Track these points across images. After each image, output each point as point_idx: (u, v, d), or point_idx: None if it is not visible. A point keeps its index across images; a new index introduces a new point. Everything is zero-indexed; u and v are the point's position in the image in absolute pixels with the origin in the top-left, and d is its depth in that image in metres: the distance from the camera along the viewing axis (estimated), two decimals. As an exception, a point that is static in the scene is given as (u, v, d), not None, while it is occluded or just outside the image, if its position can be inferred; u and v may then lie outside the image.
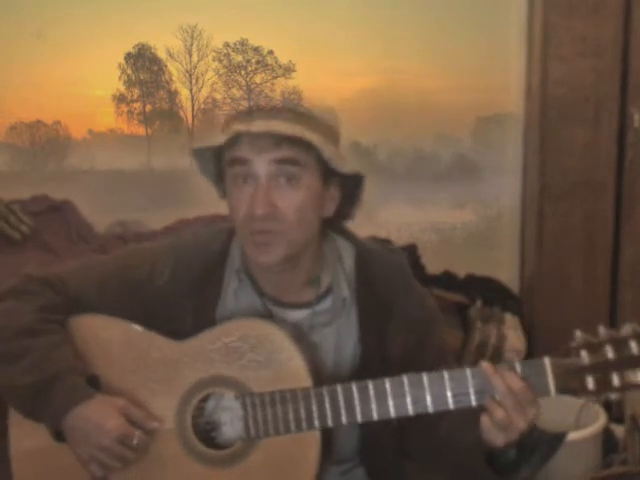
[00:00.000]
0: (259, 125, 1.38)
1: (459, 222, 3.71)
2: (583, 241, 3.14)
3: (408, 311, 1.55)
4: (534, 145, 3.26)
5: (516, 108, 3.49)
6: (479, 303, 3.15)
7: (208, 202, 3.45)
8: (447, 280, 3.28)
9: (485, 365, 1.31)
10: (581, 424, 2.73)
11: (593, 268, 3.15)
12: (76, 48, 3.58)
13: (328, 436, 1.45)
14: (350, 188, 1.51)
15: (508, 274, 3.45)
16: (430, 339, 1.56)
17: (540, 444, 2.57)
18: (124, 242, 3.09)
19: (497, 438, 1.31)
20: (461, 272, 3.39)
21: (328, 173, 1.45)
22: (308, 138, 1.38)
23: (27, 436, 1.54)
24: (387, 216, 3.62)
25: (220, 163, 1.48)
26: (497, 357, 2.94)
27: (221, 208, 3.07)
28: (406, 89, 3.66)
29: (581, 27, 3.00)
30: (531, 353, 3.03)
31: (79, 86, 3.67)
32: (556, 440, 2.54)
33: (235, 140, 1.40)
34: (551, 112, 3.10)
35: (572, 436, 2.56)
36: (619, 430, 2.78)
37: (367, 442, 1.59)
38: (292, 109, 1.44)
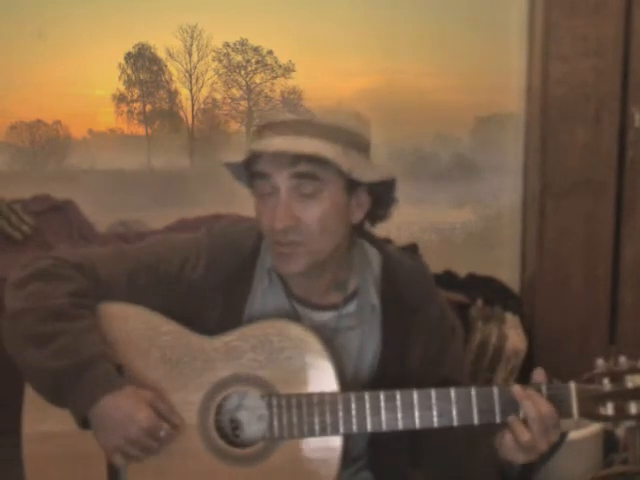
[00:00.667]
0: (275, 144, 1.40)
1: (459, 222, 3.71)
2: (584, 241, 3.14)
3: (430, 320, 1.57)
4: (535, 144, 3.26)
5: (516, 108, 3.49)
6: (480, 303, 3.16)
7: (208, 202, 3.47)
8: (448, 280, 3.28)
9: (516, 388, 1.35)
10: (582, 424, 2.72)
11: (594, 268, 3.15)
12: (76, 48, 3.58)
13: (347, 441, 1.46)
14: (380, 191, 1.52)
15: (509, 274, 3.45)
16: (450, 348, 1.59)
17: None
18: (126, 242, 3.09)
19: (517, 458, 1.36)
20: (461, 272, 3.39)
21: (352, 183, 1.46)
22: (323, 155, 1.39)
23: (41, 420, 1.53)
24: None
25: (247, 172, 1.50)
26: (498, 356, 2.95)
27: (221, 208, 3.07)
28: (406, 89, 3.67)
29: (582, 26, 3.00)
30: (531, 353, 3.03)
31: (79, 86, 3.68)
32: (557, 439, 2.55)
33: (256, 154, 1.42)
34: (552, 111, 3.10)
35: (573, 435, 2.57)
36: (619, 430, 2.77)
37: (375, 446, 1.60)
38: (311, 121, 1.44)
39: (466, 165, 3.75)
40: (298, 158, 1.40)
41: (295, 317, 1.54)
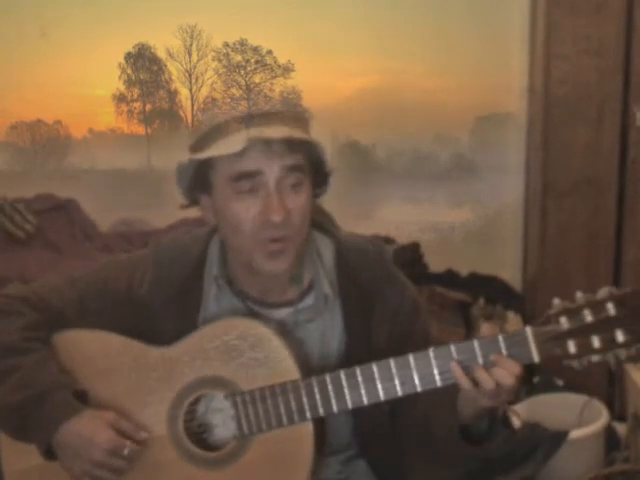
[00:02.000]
0: (276, 131, 1.38)
1: (458, 221, 3.71)
2: (586, 239, 3.15)
3: (391, 302, 1.55)
4: (537, 144, 3.26)
5: (518, 107, 3.49)
6: (482, 302, 3.16)
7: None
8: (450, 278, 3.28)
9: (453, 365, 1.32)
10: (583, 422, 2.74)
11: (595, 266, 3.16)
12: (76, 48, 3.59)
13: (321, 428, 1.46)
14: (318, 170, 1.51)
15: (511, 273, 3.45)
16: (414, 328, 1.57)
17: (543, 442, 2.59)
18: (128, 240, 3.10)
19: (482, 402, 1.32)
20: (463, 271, 3.39)
21: (319, 174, 1.48)
22: (316, 141, 1.40)
23: (18, 457, 1.52)
24: (386, 215, 3.63)
25: (198, 174, 1.46)
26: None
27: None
28: (405, 89, 3.67)
29: (584, 26, 3.00)
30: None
31: (79, 86, 3.69)
32: (559, 438, 2.58)
33: (240, 154, 1.37)
34: (554, 111, 3.10)
35: (574, 434, 2.58)
36: (621, 428, 2.79)
37: (362, 431, 1.60)
38: (283, 112, 1.44)
39: (465, 164, 3.75)
40: (292, 147, 1.39)
41: (252, 315, 1.53)
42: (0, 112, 3.77)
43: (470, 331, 3.02)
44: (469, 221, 3.72)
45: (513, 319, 3.11)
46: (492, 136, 3.70)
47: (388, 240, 3.24)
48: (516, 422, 2.57)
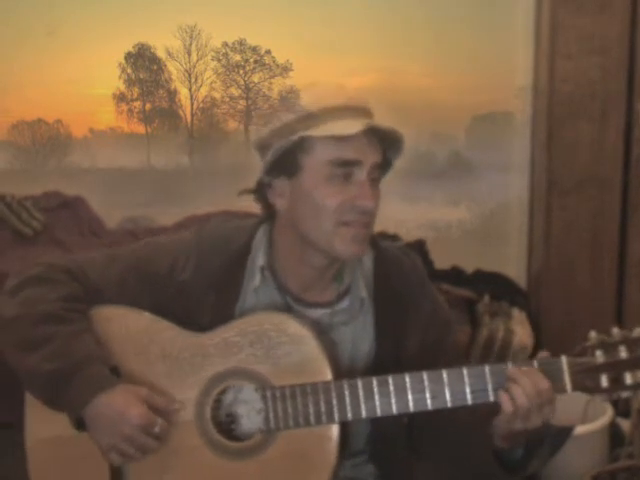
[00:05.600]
0: (373, 122, 1.45)
1: (455, 219, 3.72)
2: (590, 237, 3.15)
3: (424, 313, 1.59)
4: (541, 142, 3.27)
5: (514, 106, 3.50)
6: (487, 298, 3.16)
7: (206, 200, 3.49)
8: (455, 275, 3.29)
9: (512, 370, 1.36)
10: (588, 418, 2.74)
11: (600, 263, 3.16)
12: (77, 48, 3.59)
13: (345, 430, 1.47)
14: None
15: (515, 270, 3.47)
16: (445, 341, 1.60)
17: (548, 437, 2.59)
18: (135, 237, 3.11)
19: (514, 426, 1.35)
20: (467, 268, 3.40)
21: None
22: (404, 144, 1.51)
23: (43, 424, 1.54)
24: (384, 213, 3.62)
25: (286, 156, 1.48)
26: (505, 352, 2.96)
27: (220, 206, 3.09)
28: (403, 88, 3.67)
29: (588, 25, 3.01)
30: (538, 348, 3.04)
31: (80, 85, 3.69)
32: (563, 434, 2.58)
33: (346, 141, 1.43)
34: (558, 109, 3.11)
35: (579, 430, 2.58)
36: (625, 424, 2.79)
37: (377, 437, 1.62)
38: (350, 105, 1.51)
39: (463, 163, 3.76)
40: (382, 145, 1.48)
41: (288, 312, 1.55)
42: (1, 111, 3.78)
43: (475, 328, 3.04)
44: (466, 219, 3.72)
45: (518, 316, 3.12)
46: (489, 135, 3.71)
47: (393, 237, 3.26)
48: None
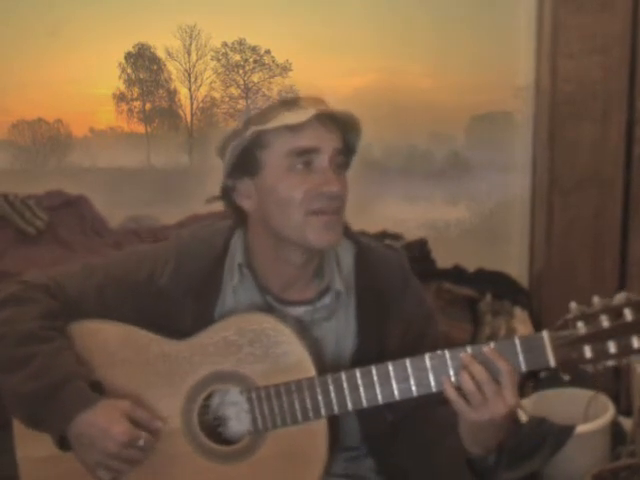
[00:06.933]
0: (324, 108, 1.46)
1: (454, 218, 3.72)
2: (591, 236, 3.16)
3: (407, 307, 1.58)
4: (543, 141, 3.28)
5: (521, 105, 3.51)
6: (489, 297, 3.17)
7: (206, 199, 3.50)
8: (457, 274, 3.30)
9: (463, 354, 1.33)
10: (589, 416, 2.75)
11: (601, 263, 3.16)
12: (77, 48, 3.60)
13: (334, 424, 1.48)
14: None
15: (517, 269, 3.47)
16: (427, 334, 1.59)
17: (549, 436, 2.60)
18: (138, 236, 3.11)
19: (470, 417, 1.33)
20: (469, 267, 3.41)
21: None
22: (360, 125, 1.50)
23: (33, 446, 1.53)
24: (383, 212, 3.63)
25: (245, 155, 1.49)
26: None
27: (221, 204, 3.11)
28: (402, 88, 3.67)
29: (590, 24, 3.01)
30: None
31: (80, 85, 3.70)
32: (565, 432, 2.59)
33: (300, 130, 1.44)
34: (560, 108, 3.11)
35: (580, 428, 2.59)
36: (627, 423, 2.79)
37: (368, 435, 1.61)
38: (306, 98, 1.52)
39: (464, 163, 3.76)
40: (343, 126, 1.47)
41: (269, 311, 1.54)
42: (1, 111, 3.79)
43: (477, 326, 3.04)
44: (466, 218, 3.73)
45: (520, 315, 3.12)
46: (488, 134, 3.71)
47: (396, 236, 3.26)
48: (523, 417, 2.59)
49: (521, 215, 3.55)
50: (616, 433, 2.75)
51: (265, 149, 1.47)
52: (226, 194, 1.56)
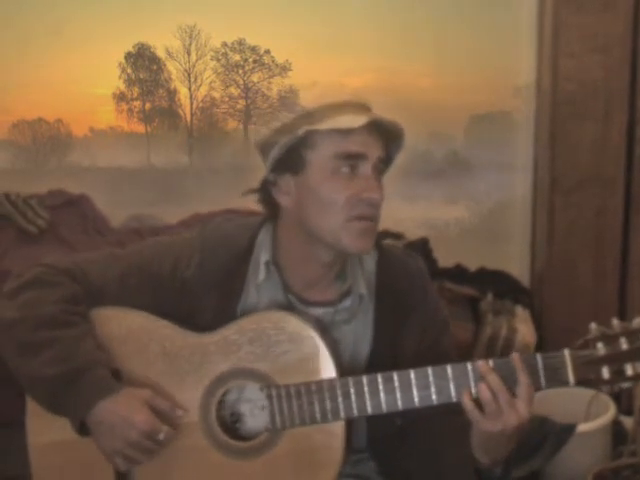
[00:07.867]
0: (377, 116, 1.47)
1: (453, 218, 3.72)
2: (593, 235, 3.16)
3: (425, 314, 1.60)
4: (544, 140, 3.28)
5: (521, 105, 3.51)
6: (490, 296, 3.17)
7: (206, 199, 3.50)
8: (458, 273, 3.30)
9: (480, 364, 1.36)
10: (591, 416, 2.75)
11: (602, 262, 3.17)
12: (77, 48, 3.59)
13: (348, 427, 1.48)
14: None
15: (518, 268, 3.47)
16: (442, 342, 1.62)
17: (551, 435, 2.61)
18: (140, 236, 3.11)
19: (485, 426, 1.34)
20: (470, 266, 3.41)
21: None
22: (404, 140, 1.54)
23: (46, 430, 1.53)
24: (382, 212, 3.62)
25: (290, 153, 1.49)
26: (508, 350, 2.96)
27: (221, 204, 3.11)
28: (404, 88, 3.68)
29: (591, 23, 3.01)
30: (541, 346, 3.05)
31: (80, 84, 3.68)
32: (566, 431, 2.60)
33: (350, 135, 1.45)
34: (561, 108, 3.11)
35: (582, 428, 2.60)
36: (628, 422, 2.80)
37: (374, 436, 1.62)
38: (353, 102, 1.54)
39: (464, 162, 3.77)
40: (385, 139, 1.50)
41: (291, 310, 1.55)
42: (2, 111, 3.78)
43: (479, 326, 3.04)
44: (465, 218, 3.73)
45: (521, 314, 3.12)
46: (488, 134, 3.71)
47: (397, 236, 3.27)
48: None
49: (522, 214, 3.55)
50: (617, 432, 2.75)
51: (311, 149, 1.47)
52: (265, 188, 1.56)
